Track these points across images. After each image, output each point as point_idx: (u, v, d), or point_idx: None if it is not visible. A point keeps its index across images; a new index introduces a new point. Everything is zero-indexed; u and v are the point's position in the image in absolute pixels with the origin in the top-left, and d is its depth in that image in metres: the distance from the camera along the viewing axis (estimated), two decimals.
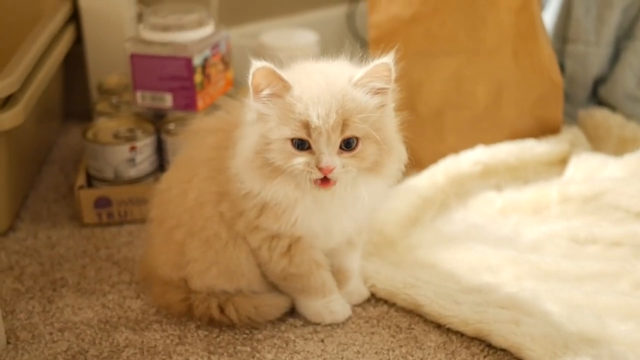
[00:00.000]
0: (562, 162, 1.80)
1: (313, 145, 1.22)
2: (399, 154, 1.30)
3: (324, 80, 1.23)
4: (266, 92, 1.22)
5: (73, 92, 2.14)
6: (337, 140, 1.22)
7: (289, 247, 1.34)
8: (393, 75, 1.24)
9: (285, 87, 1.22)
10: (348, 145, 1.23)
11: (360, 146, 1.24)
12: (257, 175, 1.25)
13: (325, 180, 1.23)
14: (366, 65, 1.24)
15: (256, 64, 1.20)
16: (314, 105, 1.21)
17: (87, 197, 1.68)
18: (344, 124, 1.21)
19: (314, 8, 2.40)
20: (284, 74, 1.22)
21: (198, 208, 1.35)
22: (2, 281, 1.53)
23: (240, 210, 1.32)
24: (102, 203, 1.69)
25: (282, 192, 1.26)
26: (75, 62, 2.11)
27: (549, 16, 2.04)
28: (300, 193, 1.26)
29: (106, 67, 2.06)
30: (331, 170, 1.22)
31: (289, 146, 1.22)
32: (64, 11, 1.98)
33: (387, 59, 1.23)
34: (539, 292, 1.40)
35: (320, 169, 1.21)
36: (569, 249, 1.55)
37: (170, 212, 1.39)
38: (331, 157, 1.21)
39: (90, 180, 1.73)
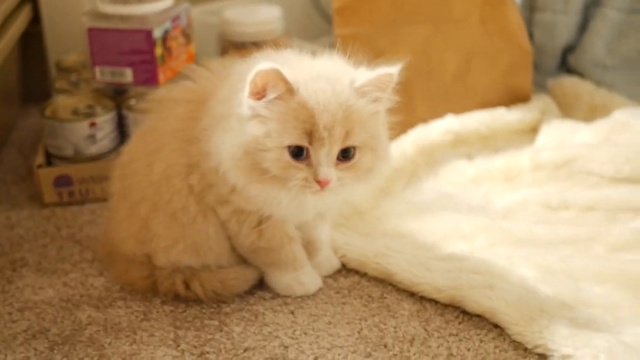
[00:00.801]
0: (533, 130, 1.77)
1: (312, 155, 1.17)
2: (388, 156, 1.27)
3: (329, 87, 1.17)
4: (270, 96, 1.16)
5: (32, 74, 2.08)
6: (336, 151, 1.18)
7: (259, 221, 1.30)
8: (393, 85, 1.21)
9: (290, 90, 1.16)
10: (345, 155, 1.19)
11: (357, 156, 1.20)
12: (243, 175, 1.20)
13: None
14: (369, 71, 1.20)
15: (262, 65, 1.13)
16: (320, 114, 1.15)
17: (46, 175, 1.63)
18: (346, 135, 1.17)
19: None
20: (289, 76, 1.15)
21: (165, 181, 1.30)
22: None
23: (210, 183, 1.27)
24: (62, 182, 1.63)
25: (267, 194, 1.22)
26: (33, 43, 2.06)
27: None
28: (286, 195, 1.21)
29: (65, 47, 2.01)
30: (328, 183, 1.18)
31: (286, 155, 1.17)
32: None
33: (394, 70, 1.19)
34: (513, 258, 1.37)
35: (317, 182, 1.17)
36: (542, 215, 1.52)
37: (134, 186, 1.34)
38: (329, 169, 1.17)
39: (50, 159, 1.68)
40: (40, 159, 1.66)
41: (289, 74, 1.15)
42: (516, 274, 1.33)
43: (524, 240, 1.43)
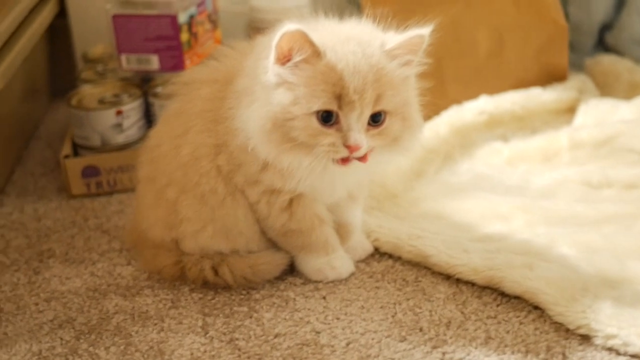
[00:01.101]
0: (570, 111, 1.71)
1: (342, 120, 1.13)
2: (419, 126, 1.23)
3: (359, 49, 1.13)
4: (296, 59, 1.12)
5: (59, 68, 2.06)
6: (367, 115, 1.14)
7: (290, 201, 1.26)
8: (424, 47, 1.17)
9: (317, 53, 1.12)
10: (375, 120, 1.15)
11: (387, 122, 1.16)
12: (273, 147, 1.16)
13: (346, 158, 1.15)
14: (399, 34, 1.16)
15: (288, 26, 1.09)
16: (350, 77, 1.11)
17: (73, 166, 1.60)
18: (377, 99, 1.13)
19: None
20: (316, 39, 1.11)
21: (193, 163, 1.26)
22: None
23: (239, 163, 1.24)
24: (89, 172, 1.61)
25: (298, 163, 1.17)
26: (60, 36, 2.05)
27: None
28: (317, 165, 1.16)
29: (92, 39, 1.99)
30: (359, 149, 1.13)
31: (314, 122, 1.13)
32: None
33: (424, 31, 1.15)
34: (554, 237, 1.32)
35: (347, 147, 1.13)
36: (583, 193, 1.46)
37: (162, 169, 1.30)
38: (360, 135, 1.13)
39: (77, 150, 1.65)
40: (67, 149, 1.63)
41: (315, 37, 1.11)
42: (557, 252, 1.28)
43: (565, 218, 1.38)
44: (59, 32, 2.04)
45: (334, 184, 1.24)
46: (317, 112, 1.13)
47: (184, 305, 1.28)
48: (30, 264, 1.42)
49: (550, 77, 1.75)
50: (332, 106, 1.12)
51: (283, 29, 1.10)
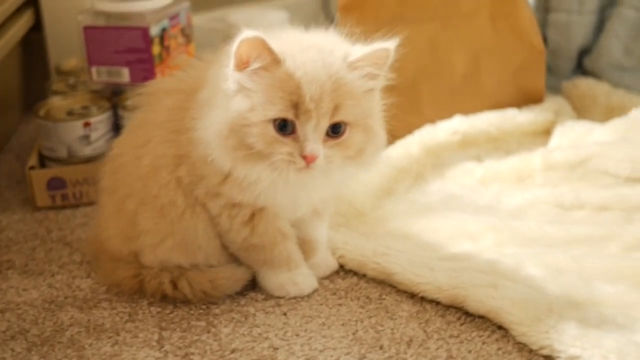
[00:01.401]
0: (546, 133, 1.69)
1: (298, 129, 1.11)
2: (381, 142, 1.20)
3: (319, 58, 1.11)
4: (254, 65, 1.10)
5: (33, 81, 2.04)
6: (325, 126, 1.11)
7: (252, 215, 1.23)
8: (390, 61, 1.14)
9: (275, 60, 1.10)
10: (335, 131, 1.13)
11: (347, 133, 1.13)
12: (229, 154, 1.14)
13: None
14: (364, 46, 1.13)
15: (245, 33, 1.08)
16: (307, 85, 1.09)
17: (39, 178, 1.57)
18: (335, 109, 1.11)
19: None
20: (275, 46, 1.09)
21: (153, 174, 1.24)
22: None
23: (200, 174, 1.21)
24: (55, 184, 1.58)
25: (255, 173, 1.15)
26: (34, 50, 2.03)
27: None
28: (275, 176, 1.14)
29: (66, 52, 1.96)
30: (314, 160, 1.11)
31: (271, 129, 1.11)
32: None
33: (389, 44, 1.13)
34: (522, 257, 1.29)
35: (304, 157, 1.11)
36: (554, 214, 1.44)
37: (122, 180, 1.28)
38: (316, 145, 1.11)
39: (44, 162, 1.62)
40: (33, 160, 1.61)
41: (275, 45, 1.09)
42: (523, 273, 1.25)
43: (534, 239, 1.35)
44: (33, 45, 2.02)
45: (296, 199, 1.21)
46: (274, 121, 1.10)
47: (140, 319, 1.25)
48: None
49: (526, 100, 1.74)
50: (288, 114, 1.10)
51: (241, 35, 1.08)
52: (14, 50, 1.90)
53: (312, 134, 1.11)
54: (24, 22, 1.90)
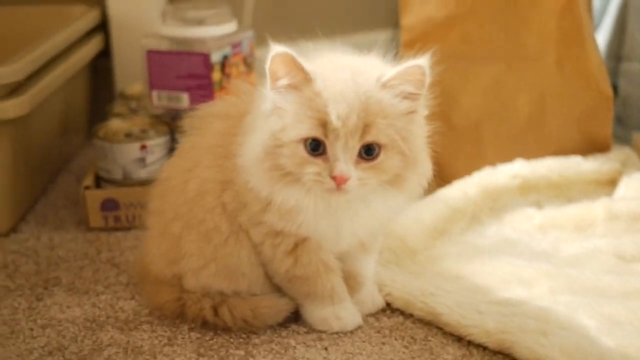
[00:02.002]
0: (611, 183, 1.63)
1: (329, 149, 1.09)
2: (424, 169, 1.16)
3: (350, 77, 1.10)
4: (284, 81, 1.09)
5: (100, 109, 2.05)
6: (355, 146, 1.09)
7: (295, 246, 1.21)
8: (427, 80, 1.11)
9: (306, 79, 1.09)
10: (368, 153, 1.10)
11: (382, 156, 1.10)
12: (266, 177, 1.12)
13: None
14: (398, 66, 1.11)
15: (275, 48, 1.07)
16: (334, 103, 1.08)
17: (93, 198, 1.58)
18: (366, 128, 1.08)
19: (358, 31, 2.30)
20: (306, 65, 1.09)
21: (199, 199, 1.23)
22: None
23: (244, 201, 1.19)
24: (109, 205, 1.58)
25: (292, 199, 1.13)
26: (103, 78, 2.06)
27: (602, 34, 1.91)
28: (311, 200, 1.12)
29: (133, 79, 1.98)
30: (345, 181, 1.08)
31: (301, 150, 1.09)
32: (89, 17, 1.93)
33: (422, 61, 1.10)
34: (575, 306, 1.24)
35: (333, 178, 1.08)
36: (613, 265, 1.38)
37: (169, 203, 1.27)
38: (347, 165, 1.08)
39: (100, 183, 1.63)
40: (88, 180, 1.61)
41: (308, 65, 1.08)
42: (576, 322, 1.20)
43: (590, 289, 1.30)
44: (101, 72, 2.05)
45: (338, 229, 1.18)
46: (305, 140, 1.09)
47: (179, 344, 1.23)
48: (34, 290, 1.39)
49: (592, 148, 1.68)
50: (318, 133, 1.08)
51: (272, 51, 1.07)
52: (82, 74, 1.93)
53: (342, 154, 1.08)
54: (92, 47, 1.93)
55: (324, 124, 1.08)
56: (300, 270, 1.22)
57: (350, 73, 1.10)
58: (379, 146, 1.10)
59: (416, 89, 1.10)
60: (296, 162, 1.09)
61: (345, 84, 1.08)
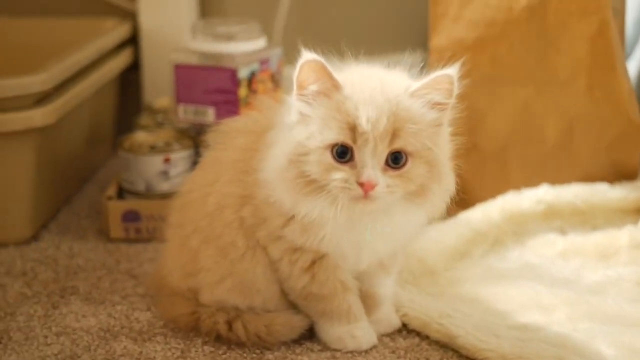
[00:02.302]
0: (637, 212, 1.60)
1: (356, 155, 1.08)
2: (448, 184, 1.15)
3: (379, 84, 1.09)
4: (312, 88, 1.08)
5: (127, 121, 2.07)
6: (384, 152, 1.08)
7: (313, 263, 1.20)
8: (455, 90, 1.10)
9: (335, 86, 1.08)
10: (396, 161, 1.09)
11: (409, 164, 1.09)
12: (289, 188, 1.11)
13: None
14: (426, 76, 1.11)
15: (306, 56, 1.07)
16: (364, 106, 1.07)
17: (115, 209, 1.58)
18: (394, 134, 1.07)
19: (387, 51, 2.29)
20: (335, 74, 1.08)
21: (218, 213, 1.22)
22: (11, 285, 1.44)
23: (263, 217, 1.19)
24: (130, 217, 1.58)
25: (316, 210, 1.11)
26: (132, 91, 2.07)
27: (635, 62, 1.88)
28: (336, 211, 1.10)
29: (161, 93, 1.99)
30: (373, 187, 1.07)
31: (328, 157, 1.08)
32: (120, 30, 1.94)
33: (451, 71, 1.09)
34: (595, 334, 1.21)
35: (360, 184, 1.07)
36: (636, 293, 1.35)
37: (190, 216, 1.26)
38: (374, 171, 1.07)
39: (122, 194, 1.63)
40: (111, 191, 1.62)
41: (337, 74, 1.08)
42: (594, 349, 1.17)
43: (611, 317, 1.27)
44: (130, 84, 2.06)
45: (359, 247, 1.17)
46: (332, 147, 1.08)
47: (192, 357, 1.22)
48: (51, 298, 1.39)
49: (619, 175, 1.66)
50: (346, 138, 1.07)
51: (302, 58, 1.06)
52: (111, 86, 1.95)
53: (371, 160, 1.07)
54: (122, 59, 1.94)
55: (353, 129, 1.07)
56: (316, 288, 1.20)
57: (379, 81, 1.09)
58: (407, 154, 1.09)
59: (444, 99, 1.10)
60: (322, 169, 1.08)
61: (374, 91, 1.08)
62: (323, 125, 1.08)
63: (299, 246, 1.18)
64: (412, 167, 1.09)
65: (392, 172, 1.09)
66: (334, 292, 1.21)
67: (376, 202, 1.09)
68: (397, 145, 1.08)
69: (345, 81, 1.09)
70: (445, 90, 1.09)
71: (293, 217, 1.15)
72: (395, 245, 1.22)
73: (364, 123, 1.06)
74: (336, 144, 1.08)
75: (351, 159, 1.08)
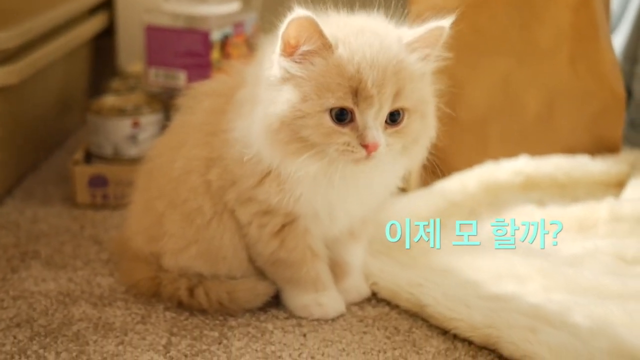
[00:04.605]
0: (618, 185, 1.57)
1: (358, 117, 1.03)
2: (433, 129, 1.13)
3: (376, 41, 1.04)
4: (304, 48, 1.03)
5: (101, 88, 2.02)
6: (386, 112, 1.04)
7: (282, 227, 1.15)
8: (443, 39, 1.08)
9: (326, 45, 1.03)
10: (393, 118, 1.05)
11: (405, 120, 1.06)
12: (280, 149, 1.05)
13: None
14: (416, 28, 1.07)
15: (297, 12, 1.00)
16: (368, 69, 1.02)
17: (81, 173, 1.54)
18: (397, 94, 1.04)
19: None
20: (326, 30, 1.02)
21: (184, 177, 1.18)
22: None
23: (233, 178, 1.14)
24: (97, 182, 1.53)
25: (310, 169, 1.06)
26: (106, 57, 2.02)
27: (620, 36, 1.84)
28: (335, 171, 1.06)
29: (136, 59, 1.94)
30: (377, 148, 1.03)
31: (327, 120, 1.03)
32: None
33: (445, 22, 1.07)
34: (569, 305, 1.18)
35: (365, 146, 1.03)
36: (613, 266, 1.31)
37: (156, 181, 1.22)
38: (378, 132, 1.03)
39: (90, 159, 1.58)
40: (78, 155, 1.57)
41: (326, 29, 1.02)
42: (569, 321, 1.14)
43: (586, 288, 1.23)
44: (105, 50, 2.01)
45: (335, 207, 1.13)
46: (331, 110, 1.03)
47: (153, 322, 1.18)
48: (11, 262, 1.35)
49: (601, 148, 1.62)
50: (348, 102, 1.02)
51: (291, 15, 1.00)
52: (83, 50, 1.90)
53: (373, 121, 1.03)
54: (95, 24, 1.89)
55: (355, 92, 1.02)
56: (285, 254, 1.16)
57: (374, 36, 1.05)
58: (403, 110, 1.06)
59: (433, 50, 1.07)
60: (322, 133, 1.03)
61: (373, 49, 1.03)
62: (320, 88, 1.02)
63: (271, 207, 1.13)
64: (408, 122, 1.06)
65: (390, 129, 1.05)
66: (302, 259, 1.17)
67: (375, 160, 1.05)
68: (399, 104, 1.05)
69: (337, 38, 1.03)
70: (437, 42, 1.07)
71: (268, 174, 1.10)
72: (370, 204, 1.17)
73: (369, 87, 1.02)
74: (336, 108, 1.03)
75: (351, 120, 1.04)
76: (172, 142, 1.22)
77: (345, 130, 1.04)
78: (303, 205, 1.12)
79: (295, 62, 1.03)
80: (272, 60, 1.05)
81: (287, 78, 1.04)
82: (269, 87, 1.06)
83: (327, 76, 1.03)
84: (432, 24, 1.05)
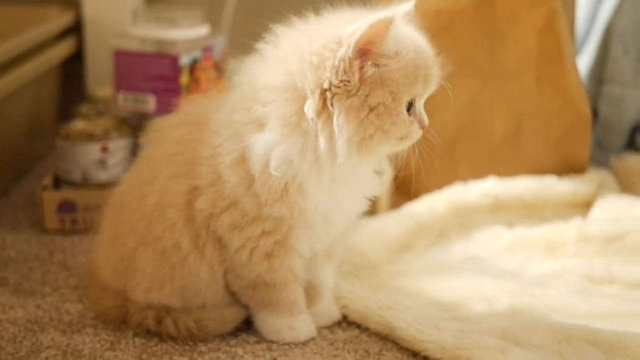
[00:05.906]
0: (586, 205, 1.58)
1: (416, 104, 1.09)
2: None
3: (408, 29, 1.10)
4: (385, 49, 1.04)
5: (71, 113, 2.02)
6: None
7: (273, 245, 1.14)
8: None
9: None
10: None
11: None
12: (359, 152, 1.06)
13: None
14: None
15: (378, 15, 1.02)
16: (432, 59, 1.09)
17: (50, 199, 1.53)
18: None
19: None
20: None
21: (158, 214, 1.16)
22: None
23: (231, 201, 1.11)
24: (66, 207, 1.53)
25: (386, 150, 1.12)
26: (75, 83, 2.01)
27: (585, 58, 1.87)
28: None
29: (106, 83, 1.94)
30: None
31: (404, 111, 1.07)
32: (62, 18, 1.89)
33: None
34: (537, 325, 1.18)
35: (422, 128, 1.10)
36: (581, 286, 1.33)
37: (126, 217, 1.20)
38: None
39: (59, 184, 1.58)
40: (47, 181, 1.56)
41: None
42: (537, 341, 1.14)
43: (554, 309, 1.24)
44: (74, 76, 2.01)
45: (334, 211, 1.13)
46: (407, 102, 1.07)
47: (122, 349, 1.18)
48: None
49: (568, 169, 1.63)
50: (419, 90, 1.08)
51: (371, 17, 1.02)
52: (52, 76, 1.89)
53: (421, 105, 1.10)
54: (63, 48, 1.89)
55: (425, 79, 1.07)
56: (270, 276, 1.16)
57: (411, 30, 1.09)
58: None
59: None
60: (405, 127, 1.07)
61: (416, 36, 1.09)
62: (406, 83, 1.05)
63: (277, 223, 1.11)
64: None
65: None
66: (285, 282, 1.17)
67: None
68: None
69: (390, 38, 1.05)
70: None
71: (287, 188, 1.09)
72: (362, 203, 1.18)
73: (436, 70, 1.09)
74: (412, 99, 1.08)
75: (411, 107, 1.08)
76: (141, 177, 1.20)
77: (412, 118, 1.08)
78: (314, 210, 1.11)
79: (375, 65, 1.05)
80: (333, 65, 1.04)
81: (371, 82, 1.04)
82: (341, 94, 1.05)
83: (407, 73, 1.05)
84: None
